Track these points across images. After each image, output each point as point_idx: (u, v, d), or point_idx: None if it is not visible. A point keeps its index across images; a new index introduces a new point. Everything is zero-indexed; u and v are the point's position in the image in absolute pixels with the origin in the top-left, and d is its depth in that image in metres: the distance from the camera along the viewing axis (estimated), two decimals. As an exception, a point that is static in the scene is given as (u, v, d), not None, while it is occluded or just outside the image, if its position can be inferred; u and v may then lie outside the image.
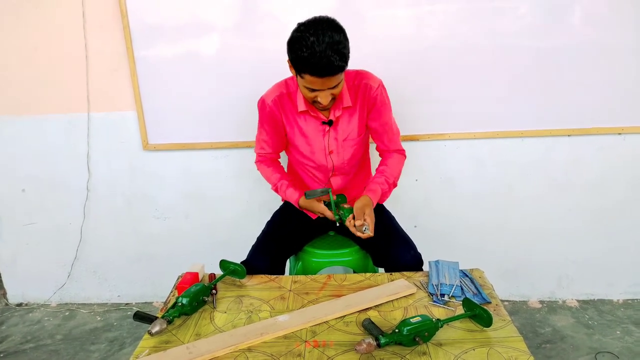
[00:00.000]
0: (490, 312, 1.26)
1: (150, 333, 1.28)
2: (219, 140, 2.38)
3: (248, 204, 2.52)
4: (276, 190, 1.88)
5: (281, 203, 2.05)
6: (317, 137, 1.76)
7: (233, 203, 2.53)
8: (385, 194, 1.81)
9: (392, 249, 1.75)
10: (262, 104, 1.76)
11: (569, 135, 2.28)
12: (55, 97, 2.38)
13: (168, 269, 2.57)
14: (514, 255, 2.52)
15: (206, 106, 2.31)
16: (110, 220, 2.60)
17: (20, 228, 2.63)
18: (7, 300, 2.79)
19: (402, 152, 1.87)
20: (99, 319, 2.61)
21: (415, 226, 2.44)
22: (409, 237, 1.82)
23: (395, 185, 1.85)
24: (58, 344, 2.39)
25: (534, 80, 2.20)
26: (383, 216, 1.87)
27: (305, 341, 1.25)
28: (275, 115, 1.76)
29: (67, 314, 2.66)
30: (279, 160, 1.97)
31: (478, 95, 2.23)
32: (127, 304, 2.75)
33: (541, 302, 2.56)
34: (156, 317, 1.32)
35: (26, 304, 2.77)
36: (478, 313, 1.28)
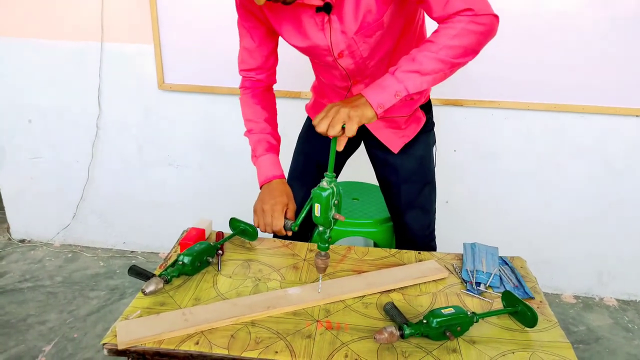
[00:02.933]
0: (535, 311, 1.09)
1: (144, 292, 1.15)
2: (241, 86, 2.20)
3: (267, 160, 2.36)
4: (250, 140, 1.42)
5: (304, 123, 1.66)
6: (315, 33, 1.21)
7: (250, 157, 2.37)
8: (393, 86, 1.07)
9: (406, 214, 1.54)
10: None
11: (637, 116, 2.05)
12: (67, 21, 2.23)
13: (177, 219, 2.49)
14: (552, 243, 2.35)
15: (231, 46, 2.10)
16: (120, 162, 2.50)
17: (25, 161, 2.54)
18: (10, 235, 2.73)
19: (468, 12, 1.04)
20: (101, 264, 2.52)
21: (447, 202, 2.28)
22: (432, 207, 1.58)
23: (430, 67, 1.06)
24: (57, 286, 2.32)
25: (605, 50, 1.97)
26: (416, 159, 1.49)
27: (317, 320, 1.11)
28: (252, 3, 1.21)
29: (69, 255, 2.59)
30: (272, 90, 1.46)
31: (538, 60, 2.01)
32: (132, 252, 2.66)
33: (576, 297, 2.40)
34: (153, 275, 1.20)
35: (29, 241, 2.71)
36: (520, 310, 1.12)
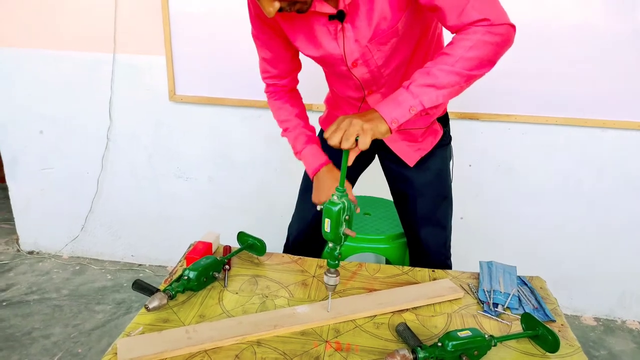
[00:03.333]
0: (557, 335, 1.03)
1: (147, 308, 1.11)
2: (253, 98, 2.18)
3: (278, 173, 2.32)
4: (289, 139, 1.40)
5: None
6: (328, 42, 1.20)
7: (262, 170, 2.35)
8: (407, 101, 1.03)
9: (422, 230, 1.49)
10: None
11: (659, 131, 1.99)
12: (79, 32, 2.22)
13: (186, 232, 2.46)
14: (571, 262, 2.27)
15: (243, 58, 2.10)
16: (129, 174, 2.47)
17: (36, 172, 2.53)
18: (19, 246, 2.71)
19: (484, 22, 1.01)
20: (109, 277, 2.49)
21: (461, 218, 2.21)
22: (448, 223, 1.53)
23: (443, 80, 1.02)
24: (63, 299, 2.29)
25: (626, 64, 1.91)
26: (432, 173, 1.46)
27: (326, 341, 1.06)
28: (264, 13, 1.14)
29: (77, 268, 2.56)
30: (297, 89, 1.46)
31: (556, 74, 1.96)
32: (140, 265, 2.63)
33: (597, 319, 2.30)
34: (157, 290, 1.16)
35: (37, 253, 2.69)
36: (541, 334, 1.06)
